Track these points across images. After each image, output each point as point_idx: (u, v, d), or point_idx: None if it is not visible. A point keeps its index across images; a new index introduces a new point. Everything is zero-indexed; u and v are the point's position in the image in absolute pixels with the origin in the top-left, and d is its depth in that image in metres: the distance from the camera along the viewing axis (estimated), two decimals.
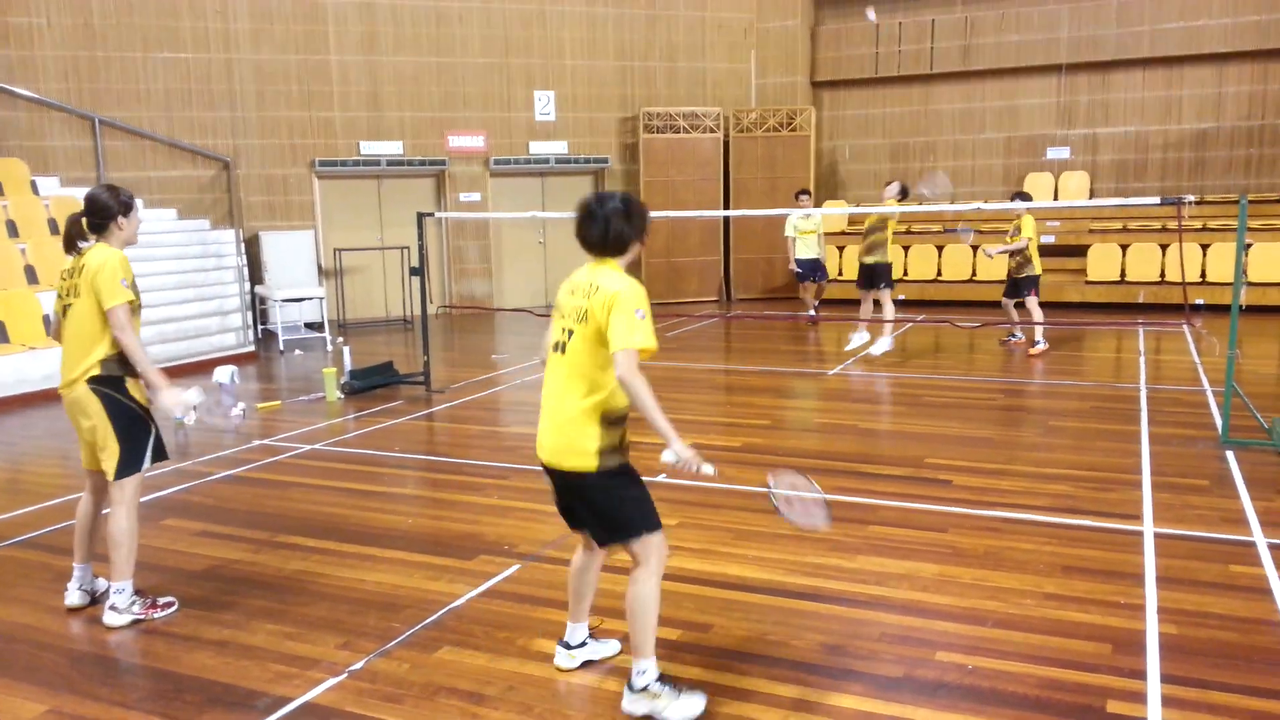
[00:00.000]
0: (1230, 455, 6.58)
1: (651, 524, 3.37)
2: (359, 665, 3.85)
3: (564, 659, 3.77)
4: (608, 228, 3.32)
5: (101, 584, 4.52)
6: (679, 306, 16.24)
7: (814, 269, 13.00)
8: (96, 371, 4.20)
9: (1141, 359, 10.50)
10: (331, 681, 3.72)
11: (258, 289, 14.12)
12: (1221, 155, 15.90)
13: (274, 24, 14.72)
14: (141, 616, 4.29)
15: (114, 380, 4.23)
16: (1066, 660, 3.78)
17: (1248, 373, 9.32)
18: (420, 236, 9.61)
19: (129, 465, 4.26)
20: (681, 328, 13.90)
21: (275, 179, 15.04)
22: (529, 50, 16.24)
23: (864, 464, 6.63)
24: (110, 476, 4.26)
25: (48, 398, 9.72)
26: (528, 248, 17.03)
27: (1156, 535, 5.11)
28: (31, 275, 10.94)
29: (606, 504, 3.36)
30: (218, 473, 6.78)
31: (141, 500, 4.41)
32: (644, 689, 3.36)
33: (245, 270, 13.42)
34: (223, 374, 9.09)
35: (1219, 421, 7.15)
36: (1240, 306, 6.88)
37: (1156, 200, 7.36)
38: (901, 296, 15.65)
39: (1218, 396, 8.22)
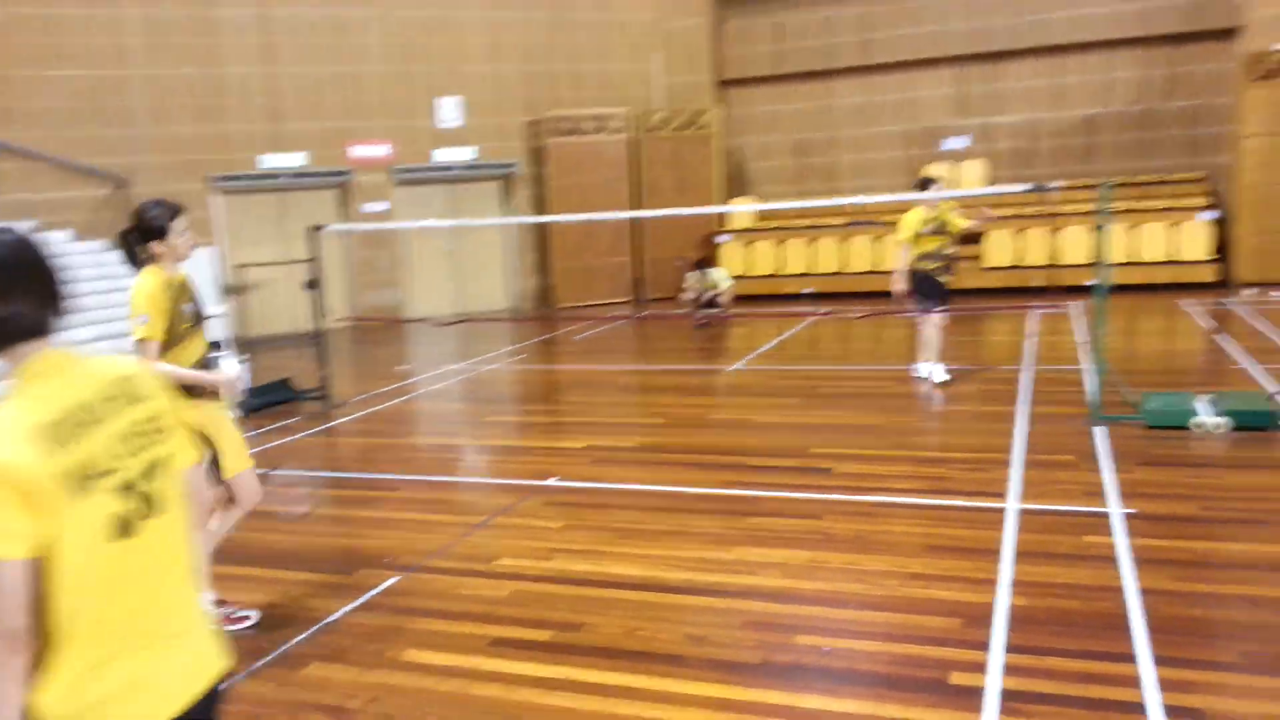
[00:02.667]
0: (1101, 431, 6.85)
1: None
2: (222, 688, 3.83)
3: None
4: None
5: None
6: (589, 309, 16.31)
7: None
8: None
9: (1028, 341, 10.81)
10: None
11: None
12: (1110, 140, 16.45)
13: (169, 37, 14.43)
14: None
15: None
16: (918, 636, 3.93)
17: (1128, 350, 9.69)
18: (316, 250, 9.52)
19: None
20: (590, 330, 13.97)
21: (173, 196, 14.64)
22: (431, 57, 16.15)
23: (751, 457, 6.76)
24: None
25: None
26: (437, 257, 16.92)
27: (1021, 511, 5.32)
28: None
29: None
30: None
31: None
32: None
33: None
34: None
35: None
36: (1109, 286, 7.18)
37: (1027, 187, 7.64)
38: (810, 289, 15.96)
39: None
